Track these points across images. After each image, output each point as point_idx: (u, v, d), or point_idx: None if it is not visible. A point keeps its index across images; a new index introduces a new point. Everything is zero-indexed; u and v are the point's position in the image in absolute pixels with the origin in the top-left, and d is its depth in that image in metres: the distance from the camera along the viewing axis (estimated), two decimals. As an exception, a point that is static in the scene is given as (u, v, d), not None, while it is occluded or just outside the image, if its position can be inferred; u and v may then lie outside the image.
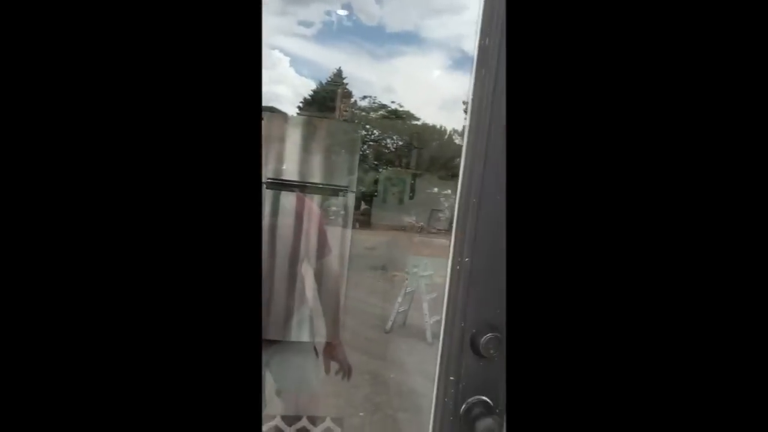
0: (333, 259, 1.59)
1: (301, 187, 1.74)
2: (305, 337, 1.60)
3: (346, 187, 1.97)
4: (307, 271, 1.55)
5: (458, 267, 0.70)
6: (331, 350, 1.57)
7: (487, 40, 0.66)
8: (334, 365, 1.58)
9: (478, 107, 0.67)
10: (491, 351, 0.70)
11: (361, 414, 2.60)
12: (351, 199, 1.95)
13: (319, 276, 1.55)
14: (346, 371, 1.58)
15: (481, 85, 0.67)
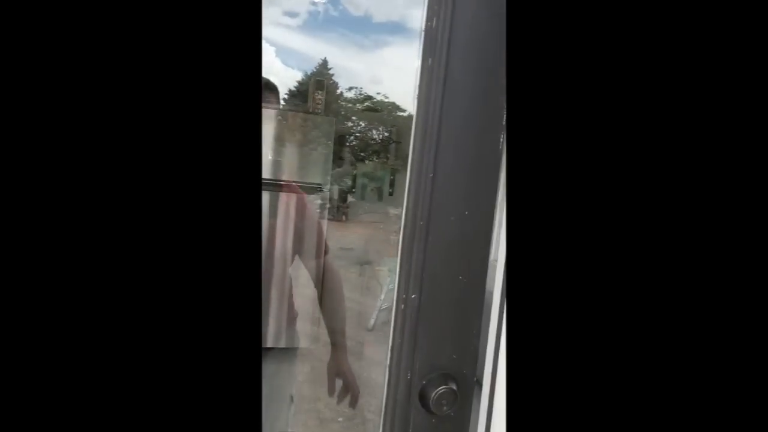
0: (331, 260, 1.35)
1: (273, 184, 1.63)
2: (282, 344, 1.47)
3: (320, 184, 1.85)
4: (295, 273, 1.38)
5: (403, 305, 0.56)
6: (338, 365, 1.26)
7: (434, 21, 0.52)
8: (338, 383, 1.26)
9: (424, 106, 0.54)
10: (444, 407, 0.57)
11: (339, 419, 2.51)
12: (326, 196, 1.84)
13: (320, 279, 1.32)
14: (354, 396, 1.25)
15: (428, 77, 0.53)
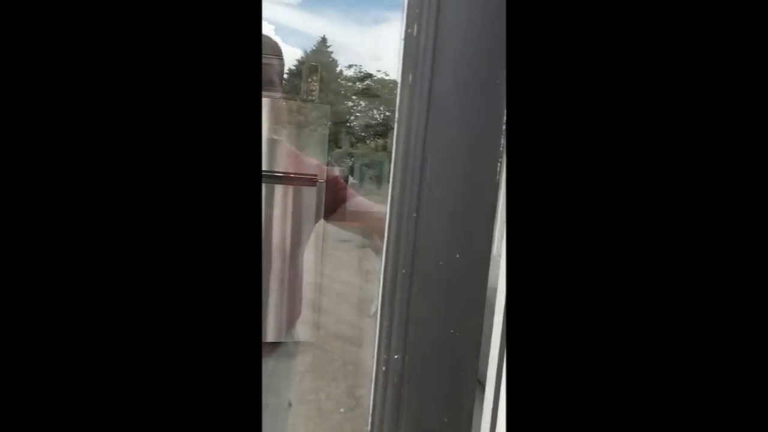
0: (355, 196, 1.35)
1: (267, 176, 1.57)
2: (282, 338, 1.43)
3: (315, 175, 1.79)
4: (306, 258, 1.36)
5: (384, 368, 0.47)
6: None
7: (415, 27, 0.41)
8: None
9: (405, 133, 0.44)
10: (435, 481, 0.49)
11: (341, 410, 2.50)
12: (322, 188, 1.79)
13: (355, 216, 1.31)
14: None
15: (408, 96, 0.43)
